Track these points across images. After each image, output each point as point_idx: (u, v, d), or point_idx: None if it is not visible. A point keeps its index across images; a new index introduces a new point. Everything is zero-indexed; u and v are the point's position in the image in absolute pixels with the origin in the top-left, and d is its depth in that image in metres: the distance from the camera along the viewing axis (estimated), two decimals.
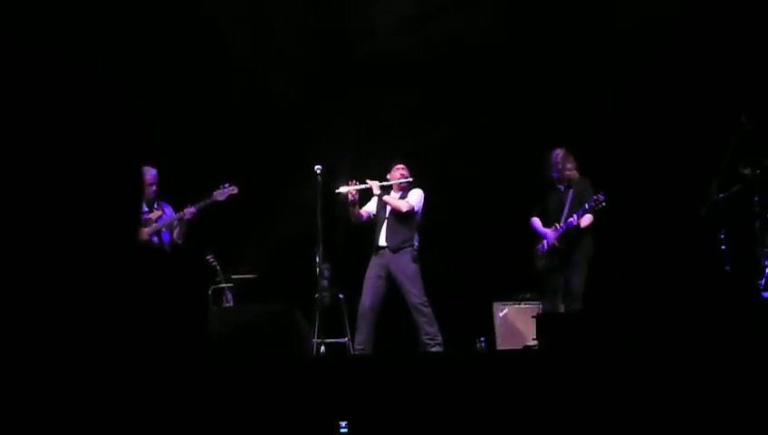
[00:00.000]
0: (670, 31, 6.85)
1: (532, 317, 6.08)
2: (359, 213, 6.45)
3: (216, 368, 4.30)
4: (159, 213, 6.19)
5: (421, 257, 6.36)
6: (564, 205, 6.19)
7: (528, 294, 7.08)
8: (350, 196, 6.34)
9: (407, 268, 6.25)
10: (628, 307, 4.87)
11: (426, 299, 6.20)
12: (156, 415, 3.82)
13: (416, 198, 6.43)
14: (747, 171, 5.89)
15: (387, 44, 7.24)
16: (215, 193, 6.23)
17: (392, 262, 6.28)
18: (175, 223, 6.18)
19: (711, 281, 6.10)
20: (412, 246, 6.31)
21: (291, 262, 7.11)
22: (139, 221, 6.03)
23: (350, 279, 6.67)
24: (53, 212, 3.97)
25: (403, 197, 6.45)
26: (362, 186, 6.37)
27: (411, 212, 6.35)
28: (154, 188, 6.11)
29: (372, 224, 6.47)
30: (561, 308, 6.18)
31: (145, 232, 6.04)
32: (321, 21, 7.38)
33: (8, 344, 3.57)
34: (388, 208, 6.42)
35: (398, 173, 6.51)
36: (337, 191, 6.35)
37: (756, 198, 5.89)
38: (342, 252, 7.00)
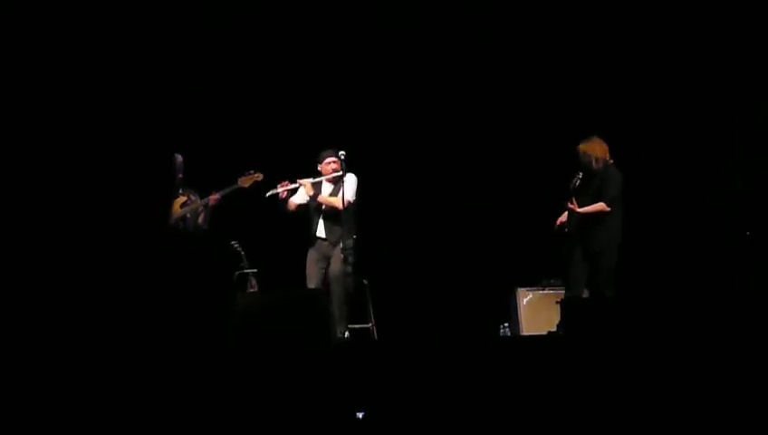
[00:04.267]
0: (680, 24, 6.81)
1: (557, 303, 6.06)
2: (289, 206, 6.43)
3: (240, 351, 4.35)
4: (184, 198, 6.25)
5: (446, 244, 6.31)
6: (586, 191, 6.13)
7: (552, 280, 7.05)
8: (280, 196, 6.34)
9: (344, 259, 6.21)
10: (651, 295, 4.86)
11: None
12: (178, 397, 3.87)
13: (350, 188, 6.31)
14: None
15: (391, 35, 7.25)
16: (239, 180, 6.26)
17: (333, 252, 6.28)
18: (200, 209, 6.23)
19: (735, 277, 6.05)
20: (352, 237, 6.24)
21: None
22: (169, 207, 6.10)
23: (375, 265, 6.68)
24: (86, 198, 4.03)
25: (336, 188, 6.35)
26: (293, 186, 6.35)
27: (349, 205, 6.29)
28: (180, 174, 6.16)
29: (306, 213, 6.39)
30: (585, 295, 6.15)
31: (171, 217, 6.09)
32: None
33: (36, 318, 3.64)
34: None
35: (330, 167, 6.38)
36: (267, 195, 6.33)
37: None
38: (366, 237, 7.00)
